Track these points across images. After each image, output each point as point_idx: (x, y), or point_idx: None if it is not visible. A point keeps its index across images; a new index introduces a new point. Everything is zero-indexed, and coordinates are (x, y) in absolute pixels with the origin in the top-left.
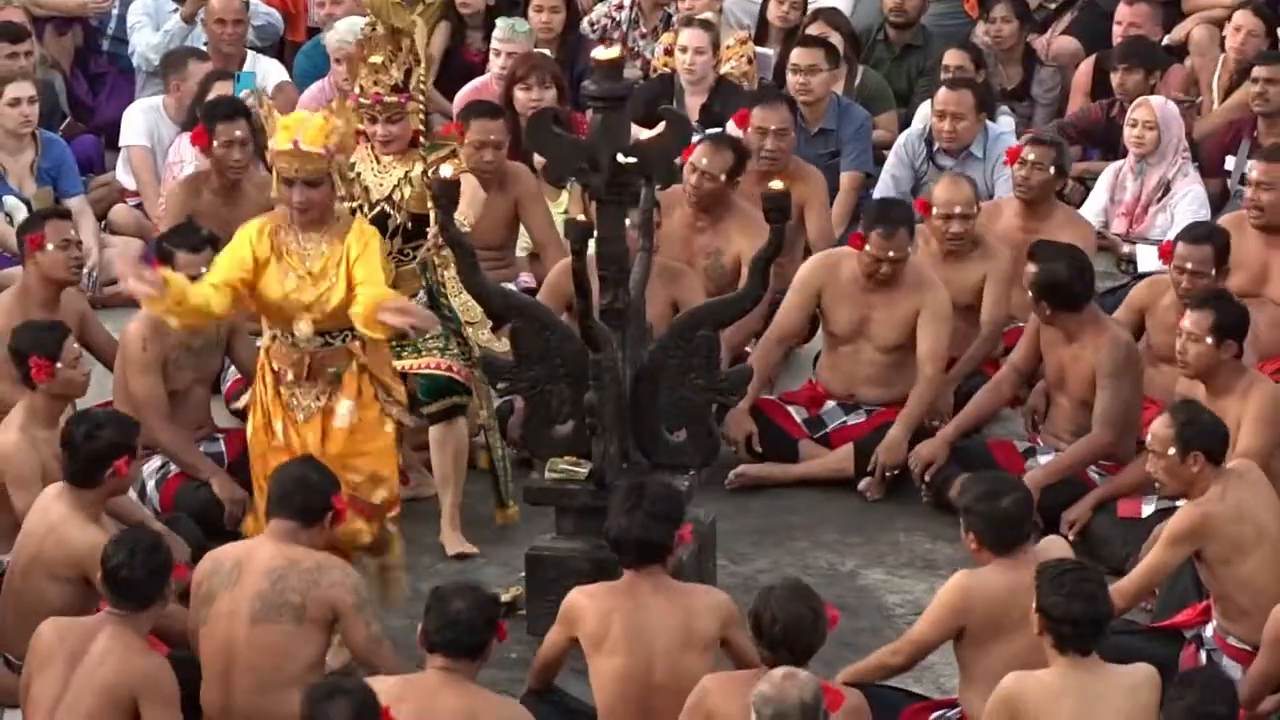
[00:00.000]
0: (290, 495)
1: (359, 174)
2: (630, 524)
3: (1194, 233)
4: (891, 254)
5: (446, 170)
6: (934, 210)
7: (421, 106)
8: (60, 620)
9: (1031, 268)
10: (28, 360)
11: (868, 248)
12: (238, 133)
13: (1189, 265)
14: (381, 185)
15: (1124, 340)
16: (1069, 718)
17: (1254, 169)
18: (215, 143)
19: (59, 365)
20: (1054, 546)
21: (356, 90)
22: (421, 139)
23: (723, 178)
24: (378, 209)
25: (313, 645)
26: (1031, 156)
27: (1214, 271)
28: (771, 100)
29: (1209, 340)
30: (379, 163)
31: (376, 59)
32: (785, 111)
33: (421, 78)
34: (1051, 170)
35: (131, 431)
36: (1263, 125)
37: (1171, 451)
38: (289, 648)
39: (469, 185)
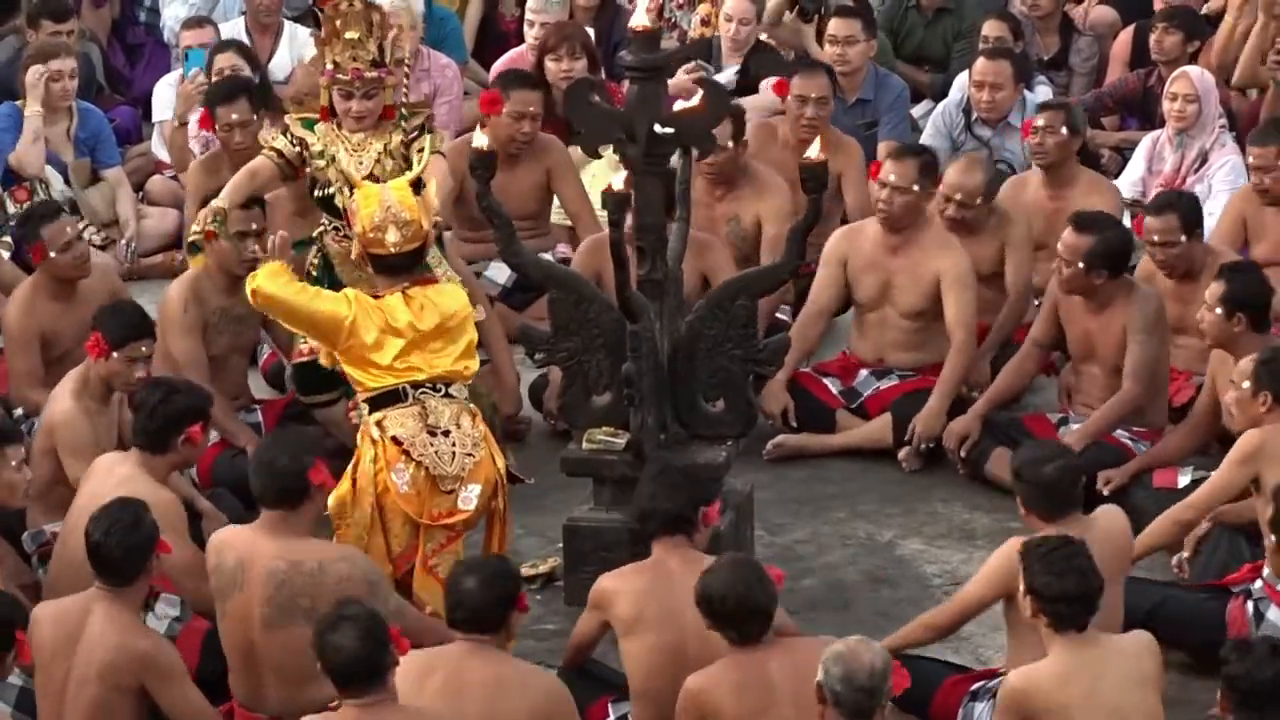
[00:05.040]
0: (265, 487)
1: (333, 158)
2: (651, 495)
3: (1157, 202)
4: (893, 178)
5: (483, 140)
6: (941, 188)
7: (403, 81)
8: (53, 604)
9: (1086, 238)
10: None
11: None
12: (234, 115)
13: (1155, 236)
14: (361, 163)
15: (1155, 295)
16: (1079, 701)
17: (1250, 154)
18: (216, 126)
19: (115, 355)
20: (1109, 516)
21: (330, 66)
22: (399, 110)
23: (730, 144)
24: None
25: None
26: (1041, 122)
27: (1184, 238)
28: (812, 69)
29: (1218, 311)
30: (352, 141)
31: (353, 34)
32: (825, 80)
33: (392, 50)
34: (1064, 131)
35: (206, 398)
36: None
37: (1246, 385)
38: (307, 646)
39: (440, 171)
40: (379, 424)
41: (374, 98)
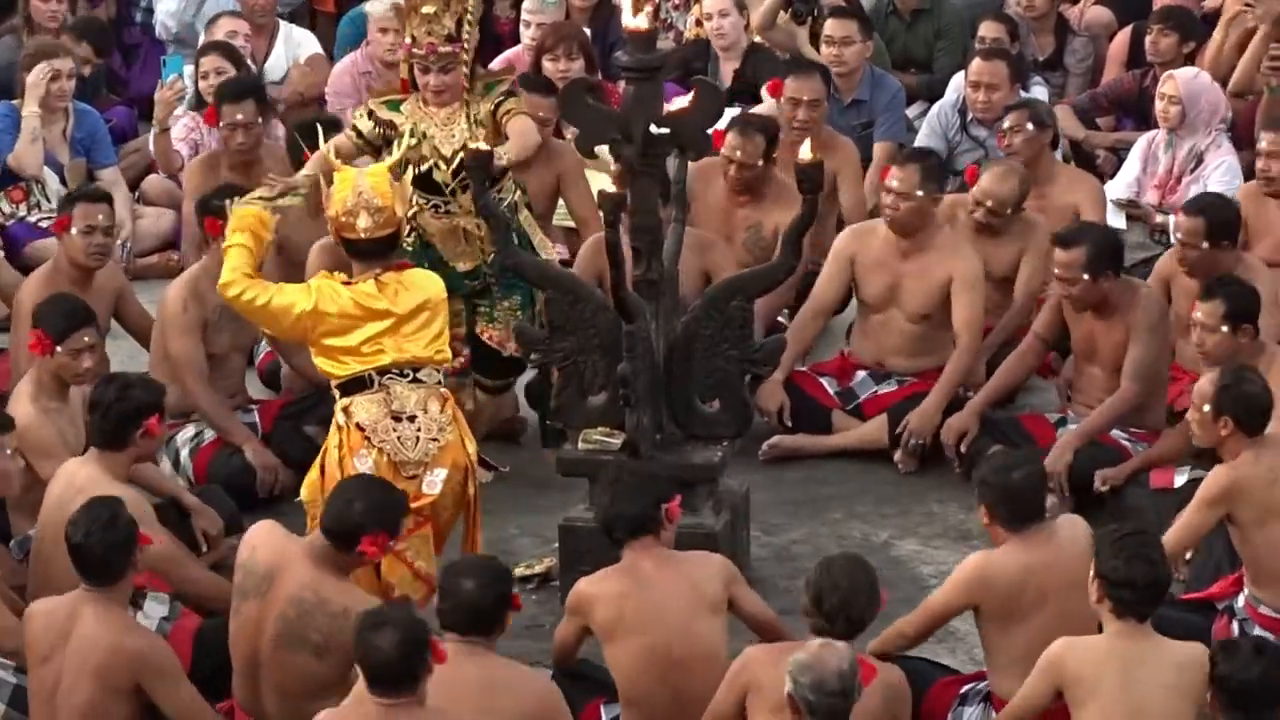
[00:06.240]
0: (328, 523)
1: (424, 133)
2: (610, 501)
3: (1191, 203)
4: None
5: (481, 143)
6: (973, 192)
7: (471, 57)
8: (44, 603)
9: (1077, 251)
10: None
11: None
12: (239, 115)
13: (1180, 235)
14: (453, 137)
15: (1156, 296)
16: (1111, 686)
17: (1264, 139)
18: (221, 124)
19: (58, 349)
20: (1070, 524)
21: (409, 40)
22: (469, 83)
23: (760, 162)
24: (457, 161)
25: (334, 674)
26: (1006, 123)
27: (1205, 244)
28: (805, 70)
29: (1224, 329)
30: (440, 115)
31: (429, 9)
32: (819, 82)
33: (470, 23)
34: (1030, 126)
35: (159, 392)
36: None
37: (1206, 408)
38: (310, 673)
39: (525, 128)
40: (345, 410)
41: (450, 72)
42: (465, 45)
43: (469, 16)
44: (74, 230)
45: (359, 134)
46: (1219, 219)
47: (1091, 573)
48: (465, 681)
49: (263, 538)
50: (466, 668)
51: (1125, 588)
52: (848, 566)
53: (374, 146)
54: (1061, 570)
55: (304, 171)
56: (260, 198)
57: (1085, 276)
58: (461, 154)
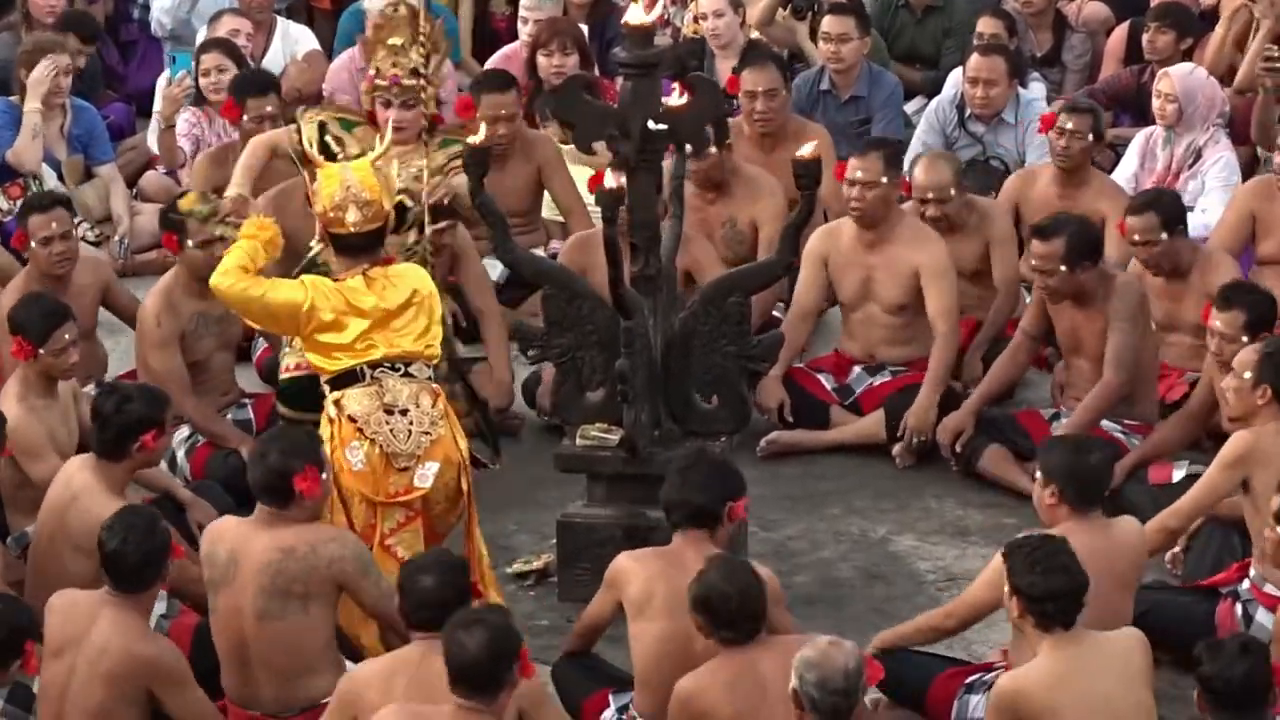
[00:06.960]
0: (255, 480)
1: None
2: (678, 486)
3: (1137, 201)
4: (860, 174)
5: (476, 136)
6: (913, 190)
7: (436, 94)
8: (64, 596)
9: (1056, 243)
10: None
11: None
12: (268, 108)
13: (1136, 235)
14: (400, 176)
15: (1135, 285)
16: (1072, 700)
17: None
18: (246, 117)
19: (41, 351)
20: (1128, 522)
21: (373, 72)
22: (432, 129)
23: (713, 151)
24: (398, 199)
25: (325, 625)
26: (1070, 125)
27: (1165, 236)
28: (758, 61)
29: (1244, 339)
30: (394, 152)
31: (396, 40)
32: (774, 72)
33: (437, 63)
34: (1090, 137)
35: (161, 405)
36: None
37: (1247, 375)
38: (301, 637)
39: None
40: (337, 403)
41: (412, 108)
42: (431, 82)
43: (436, 55)
44: (32, 244)
45: (300, 138)
46: (1169, 212)
47: (1006, 589)
48: (437, 676)
49: (218, 530)
50: (436, 663)
51: (1047, 601)
52: (727, 570)
53: (304, 158)
54: (1107, 560)
55: (230, 192)
56: (197, 213)
57: (1063, 268)
58: (402, 194)
